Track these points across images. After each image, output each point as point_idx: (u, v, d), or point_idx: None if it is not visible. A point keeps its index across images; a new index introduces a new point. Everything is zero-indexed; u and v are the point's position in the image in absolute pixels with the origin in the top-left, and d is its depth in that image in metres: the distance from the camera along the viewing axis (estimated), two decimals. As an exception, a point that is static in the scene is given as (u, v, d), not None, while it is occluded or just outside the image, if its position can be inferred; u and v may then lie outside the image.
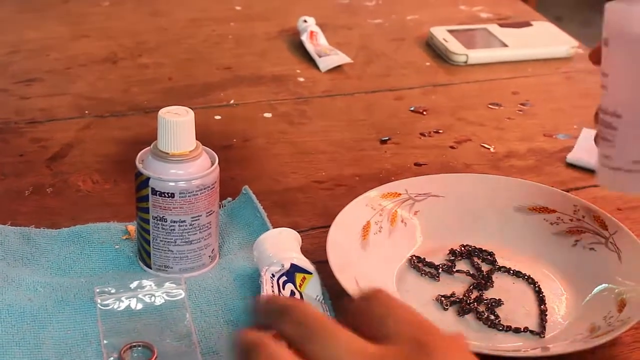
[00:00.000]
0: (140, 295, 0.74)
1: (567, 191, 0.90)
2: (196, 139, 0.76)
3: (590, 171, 0.98)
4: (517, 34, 1.31)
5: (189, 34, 1.31)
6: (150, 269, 0.78)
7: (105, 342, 0.70)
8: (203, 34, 1.31)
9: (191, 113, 0.75)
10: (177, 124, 0.74)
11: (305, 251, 0.78)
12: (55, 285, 0.75)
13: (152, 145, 0.76)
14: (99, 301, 0.73)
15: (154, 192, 0.75)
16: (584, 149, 1.00)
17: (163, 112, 0.74)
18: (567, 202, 0.86)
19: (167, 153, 0.75)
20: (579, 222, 0.84)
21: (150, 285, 0.75)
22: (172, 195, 0.75)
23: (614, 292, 0.77)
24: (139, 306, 0.73)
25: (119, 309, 0.73)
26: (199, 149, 0.76)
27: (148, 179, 0.75)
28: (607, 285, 0.78)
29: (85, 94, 1.12)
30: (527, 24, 1.35)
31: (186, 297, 0.74)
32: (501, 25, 1.35)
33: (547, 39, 1.29)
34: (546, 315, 0.77)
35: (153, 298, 0.74)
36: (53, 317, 0.72)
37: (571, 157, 1.01)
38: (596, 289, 0.78)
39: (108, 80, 1.16)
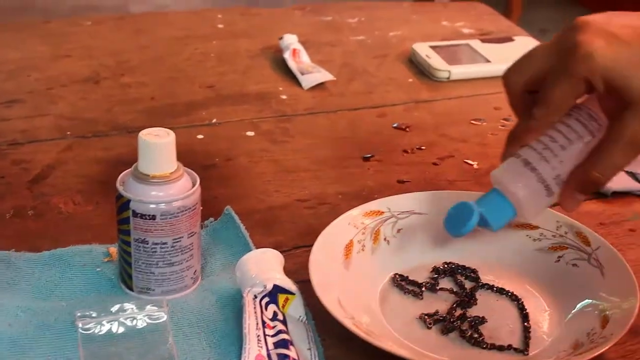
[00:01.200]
0: (121, 319, 0.73)
1: (550, 207, 0.89)
2: (178, 158, 0.76)
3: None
4: (500, 50, 1.32)
5: (172, 52, 1.31)
6: (132, 291, 0.78)
7: (86, 366, 0.69)
8: (186, 52, 1.31)
9: (172, 134, 0.75)
10: (158, 146, 0.74)
11: (288, 271, 0.77)
12: (36, 310, 0.75)
13: (132, 167, 0.76)
14: (80, 325, 0.72)
15: (135, 214, 0.75)
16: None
17: (143, 134, 0.74)
18: (550, 218, 0.85)
19: (148, 175, 0.74)
20: (561, 238, 0.84)
21: (132, 308, 0.74)
22: (154, 217, 0.74)
23: (598, 308, 0.77)
24: (121, 330, 0.73)
25: (100, 333, 0.72)
26: (180, 170, 0.76)
27: (129, 201, 0.75)
28: (590, 301, 0.78)
29: (66, 114, 1.12)
30: (509, 39, 1.36)
31: (168, 319, 0.74)
32: (483, 41, 1.35)
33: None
34: (530, 332, 0.77)
35: (135, 321, 0.73)
36: (34, 342, 0.71)
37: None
38: (579, 305, 0.78)
39: (90, 100, 1.15)
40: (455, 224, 0.74)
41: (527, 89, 0.70)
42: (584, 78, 0.65)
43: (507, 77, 0.71)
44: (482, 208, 0.73)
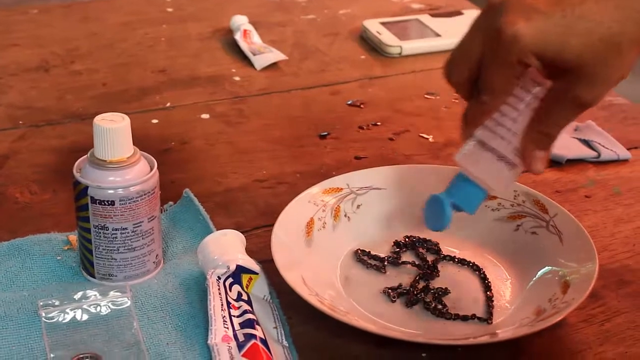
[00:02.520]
0: (85, 306, 0.73)
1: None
2: (134, 144, 0.75)
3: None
4: (449, 23, 1.32)
5: (121, 38, 1.29)
6: (94, 278, 0.77)
7: (52, 355, 0.69)
8: (135, 37, 1.29)
9: (127, 119, 0.74)
10: (113, 131, 0.73)
11: (250, 251, 0.77)
12: (-3, 301, 0.74)
13: (89, 153, 0.75)
14: (43, 314, 0.72)
15: (94, 200, 0.74)
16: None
17: (98, 119, 0.73)
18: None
19: (105, 160, 0.74)
20: (519, 206, 0.85)
21: (95, 295, 0.74)
22: (112, 203, 0.74)
23: (558, 274, 0.77)
24: (85, 317, 0.72)
25: (64, 321, 0.71)
26: (137, 154, 0.75)
27: (86, 187, 0.74)
28: (550, 267, 0.79)
29: (18, 103, 1.10)
30: (458, 13, 1.36)
31: (132, 305, 0.73)
32: (433, 16, 1.35)
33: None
34: (492, 301, 0.77)
35: (98, 308, 0.73)
36: (-3, 333, 0.70)
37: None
38: (540, 272, 0.79)
39: (41, 89, 1.14)
40: (433, 220, 0.74)
41: (470, 81, 0.69)
42: (517, 60, 0.64)
43: (448, 73, 0.70)
44: (453, 197, 0.72)
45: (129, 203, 0.74)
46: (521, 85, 0.69)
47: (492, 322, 0.75)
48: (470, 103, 0.70)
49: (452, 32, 1.28)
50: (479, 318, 0.75)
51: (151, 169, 0.76)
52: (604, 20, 0.63)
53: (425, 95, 1.14)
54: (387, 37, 1.27)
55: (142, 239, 0.76)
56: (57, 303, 0.72)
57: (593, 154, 1.00)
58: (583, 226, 0.81)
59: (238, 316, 0.71)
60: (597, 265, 0.76)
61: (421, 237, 0.84)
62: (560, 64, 0.64)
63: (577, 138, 1.03)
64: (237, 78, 1.18)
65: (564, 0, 0.63)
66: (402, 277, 0.80)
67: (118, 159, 0.74)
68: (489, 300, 0.77)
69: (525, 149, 0.69)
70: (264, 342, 0.68)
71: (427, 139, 1.04)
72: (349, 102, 1.12)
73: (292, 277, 0.74)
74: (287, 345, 0.71)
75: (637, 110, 1.10)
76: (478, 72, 0.67)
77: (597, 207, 0.91)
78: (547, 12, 0.63)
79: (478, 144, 0.71)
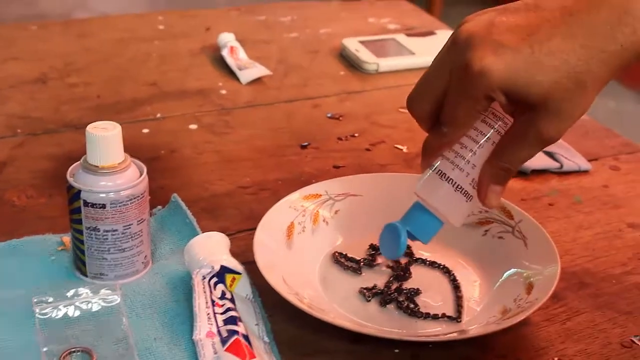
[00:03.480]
0: (77, 303, 0.72)
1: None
2: (126, 151, 0.75)
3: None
4: (423, 43, 1.32)
5: (115, 53, 1.28)
6: (87, 277, 0.76)
7: (44, 349, 0.68)
8: (129, 53, 1.29)
9: (118, 127, 0.73)
10: (105, 138, 0.72)
11: (234, 253, 0.77)
12: (-7, 298, 0.73)
13: (82, 159, 0.74)
14: (37, 310, 0.71)
15: (86, 203, 0.73)
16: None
17: (91, 128, 0.73)
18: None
19: (97, 166, 0.73)
20: (487, 213, 0.84)
21: (87, 292, 0.73)
22: (104, 206, 0.73)
23: (522, 276, 0.77)
24: (77, 313, 0.71)
25: (57, 317, 0.71)
26: (128, 160, 0.75)
27: (79, 191, 0.73)
28: (515, 270, 0.79)
29: (17, 113, 1.09)
30: (431, 33, 1.36)
31: (122, 302, 0.73)
32: (408, 35, 1.36)
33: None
34: (462, 301, 0.77)
35: (90, 305, 0.72)
36: (-8, 329, 0.69)
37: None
38: (506, 274, 0.79)
39: (39, 100, 1.13)
40: (388, 247, 0.71)
41: (433, 113, 0.66)
42: (483, 95, 0.61)
43: (411, 106, 0.66)
44: (409, 226, 0.70)
45: (120, 206, 0.73)
46: (483, 119, 0.67)
47: (461, 321, 0.75)
48: (431, 133, 0.68)
49: (425, 50, 1.28)
50: (448, 317, 0.75)
51: (141, 175, 0.75)
52: (571, 58, 0.60)
53: (400, 109, 1.14)
54: (364, 55, 1.27)
55: (132, 240, 0.75)
56: (50, 300, 0.72)
57: (556, 165, 1.00)
58: (546, 232, 0.81)
59: (221, 313, 0.70)
60: (559, 268, 0.75)
61: (395, 240, 0.84)
62: (526, 100, 0.62)
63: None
64: (223, 91, 1.17)
65: (531, 36, 0.61)
66: (377, 278, 0.80)
67: (109, 164, 0.73)
68: (458, 300, 0.77)
69: (482, 182, 0.67)
70: (246, 338, 0.68)
71: (402, 149, 1.04)
72: (329, 115, 1.12)
73: (273, 277, 0.73)
74: (268, 341, 0.70)
75: (595, 126, 1.10)
76: (440, 105, 0.65)
77: (559, 215, 0.91)
78: (515, 48, 0.60)
79: (437, 174, 0.68)
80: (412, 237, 0.70)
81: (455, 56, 0.63)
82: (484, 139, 0.66)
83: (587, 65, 0.61)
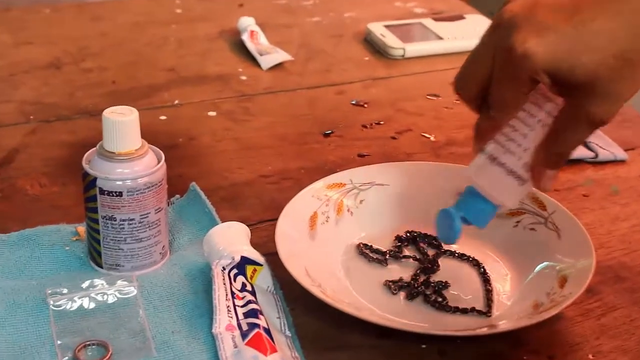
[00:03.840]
0: (92, 295, 0.72)
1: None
2: (142, 138, 0.75)
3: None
4: (451, 27, 1.31)
5: (131, 37, 1.29)
6: (102, 268, 0.76)
7: (59, 342, 0.68)
8: (145, 37, 1.29)
9: (135, 112, 0.73)
10: (122, 123, 0.73)
11: (254, 244, 0.77)
12: (6, 289, 0.73)
13: (98, 146, 0.74)
14: (51, 302, 0.71)
15: (102, 191, 0.73)
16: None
17: (107, 112, 0.73)
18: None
19: (113, 152, 0.73)
20: (519, 203, 0.84)
21: (102, 284, 0.73)
22: (120, 194, 0.73)
23: (555, 269, 0.77)
24: (92, 305, 0.72)
25: (71, 309, 0.71)
26: (145, 147, 0.75)
27: (95, 179, 0.73)
28: (548, 263, 0.78)
29: (29, 99, 1.09)
30: (460, 17, 1.36)
31: (138, 294, 0.73)
32: (435, 20, 1.35)
33: (480, 31, 1.28)
34: (492, 294, 0.77)
35: (105, 296, 0.72)
36: (6, 320, 0.70)
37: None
38: (538, 267, 0.78)
39: (52, 86, 1.13)
40: (444, 232, 0.73)
41: (479, 96, 0.67)
42: (528, 77, 0.62)
43: (458, 88, 0.67)
44: (462, 211, 0.71)
45: (137, 194, 0.73)
46: (532, 101, 0.67)
47: (491, 315, 0.74)
48: (481, 117, 0.69)
49: (454, 35, 1.28)
50: (478, 311, 0.75)
51: (159, 162, 0.75)
52: (616, 36, 0.60)
53: (427, 96, 1.14)
54: (390, 40, 1.26)
55: (149, 230, 0.75)
56: (65, 291, 0.72)
57: (591, 154, 0.99)
58: (581, 223, 0.80)
59: (242, 306, 0.70)
60: (594, 261, 0.75)
61: (422, 231, 0.84)
62: (572, 81, 0.62)
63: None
64: (243, 77, 1.17)
65: (575, 16, 0.61)
66: (403, 270, 0.80)
67: (126, 151, 0.73)
68: (488, 293, 0.77)
69: (535, 167, 0.68)
70: (267, 331, 0.68)
71: (429, 138, 1.04)
72: (353, 102, 1.12)
73: (296, 269, 0.73)
74: (290, 335, 0.70)
75: (632, 113, 1.09)
76: (487, 87, 0.65)
77: (595, 206, 0.91)
78: (558, 29, 0.61)
79: (488, 158, 0.69)
80: (467, 222, 0.71)
81: (498, 38, 0.63)
82: (535, 121, 0.67)
83: (633, 43, 0.61)
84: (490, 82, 0.65)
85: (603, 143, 1.01)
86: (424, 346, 0.71)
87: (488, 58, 0.64)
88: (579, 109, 0.63)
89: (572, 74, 0.61)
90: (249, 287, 0.72)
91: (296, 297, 0.74)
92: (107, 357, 0.67)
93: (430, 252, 0.82)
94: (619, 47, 0.61)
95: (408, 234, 0.84)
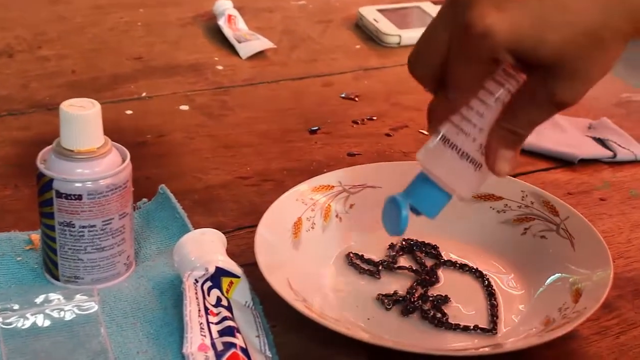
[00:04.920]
0: (47, 311, 0.72)
1: (514, 176, 0.90)
2: (105, 135, 0.75)
3: (538, 154, 0.99)
4: (453, 11, 1.31)
5: (94, 22, 1.29)
6: (59, 281, 0.76)
7: (9, 365, 0.68)
8: (109, 21, 1.29)
9: (97, 105, 0.73)
10: (82, 118, 0.72)
11: (231, 254, 0.77)
12: (-49, 305, 0.73)
13: (54, 143, 0.74)
14: (1, 320, 0.71)
15: (59, 194, 0.73)
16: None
17: (65, 105, 0.73)
18: (514, 187, 0.86)
19: (72, 150, 0.73)
20: (527, 208, 0.84)
21: (59, 298, 0.73)
22: (80, 197, 0.73)
23: (568, 281, 0.77)
24: (47, 323, 0.71)
25: (23, 328, 0.71)
26: (108, 144, 0.75)
27: (51, 180, 0.73)
28: (560, 274, 0.78)
29: (-22, 92, 1.09)
30: (463, 0, 1.36)
31: (100, 310, 0.73)
32: (435, 3, 1.35)
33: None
34: (497, 310, 0.77)
35: (62, 313, 0.72)
36: (-51, 339, 0.70)
37: (516, 140, 1.01)
38: (549, 279, 0.79)
39: (4, 76, 1.13)
40: (391, 222, 0.72)
41: (436, 75, 0.67)
42: (488, 57, 0.62)
43: (412, 68, 0.66)
44: (411, 199, 0.70)
45: (98, 198, 0.73)
46: (492, 77, 0.66)
47: (496, 333, 0.75)
48: (436, 97, 0.68)
49: (456, 20, 1.28)
50: (482, 329, 0.75)
51: (123, 161, 0.75)
52: (588, 11, 0.60)
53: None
54: (384, 26, 1.26)
55: (112, 238, 0.75)
56: (16, 307, 0.72)
57: (609, 153, 1.00)
58: (597, 230, 0.80)
59: (217, 323, 0.70)
60: (611, 273, 0.75)
61: (419, 240, 0.84)
62: (536, 60, 0.62)
63: (591, 136, 1.02)
64: (220, 67, 1.18)
65: None
66: (398, 283, 0.80)
67: (87, 149, 0.73)
68: (493, 309, 0.77)
69: (490, 146, 0.67)
70: (244, 351, 0.68)
71: (427, 135, 1.04)
72: (343, 95, 1.12)
73: (277, 281, 0.73)
74: (271, 355, 0.70)
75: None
76: (443, 68, 0.65)
77: (613, 211, 0.91)
78: (522, 2, 0.60)
79: (440, 140, 0.69)
80: (416, 212, 0.70)
81: (455, 13, 0.63)
82: (493, 99, 0.67)
83: (605, 18, 0.60)
84: (447, 62, 0.65)
85: (622, 141, 1.01)
86: (421, 368, 0.71)
87: (444, 36, 0.64)
88: (542, 89, 0.63)
89: (536, 52, 0.61)
90: (224, 302, 0.72)
91: (278, 313, 0.74)
92: (64, 380, 0.67)
93: (428, 262, 0.82)
94: (590, 24, 0.60)
95: (403, 242, 0.84)
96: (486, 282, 0.80)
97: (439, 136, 0.69)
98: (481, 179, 0.69)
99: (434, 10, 1.32)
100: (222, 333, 0.69)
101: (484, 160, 0.68)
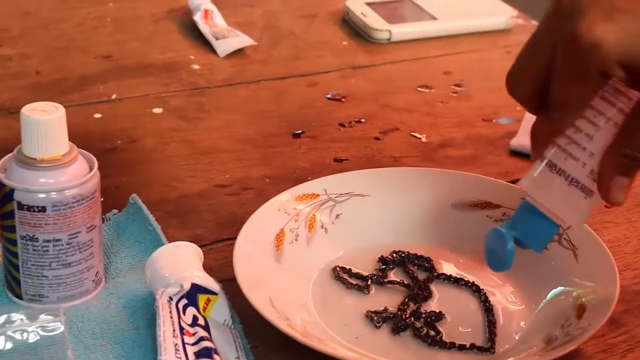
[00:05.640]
0: (9, 332, 0.72)
1: (513, 182, 0.90)
2: (72, 141, 0.75)
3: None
4: (448, 5, 1.32)
5: (59, 18, 1.29)
6: (21, 299, 0.76)
7: (-32, 391, 0.68)
8: (76, 17, 1.30)
9: (61, 109, 0.73)
10: (45, 123, 0.72)
11: (209, 268, 0.77)
12: None
13: (16, 150, 0.74)
14: (-41, 342, 0.71)
15: (21, 206, 0.73)
16: (529, 133, 1.01)
17: (27, 110, 0.73)
18: (513, 195, 0.86)
19: (35, 159, 0.73)
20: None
21: (22, 319, 0.73)
22: (44, 209, 0.73)
23: (572, 295, 0.77)
24: (8, 345, 0.71)
25: (-17, 350, 0.71)
26: (74, 152, 0.75)
27: (12, 190, 0.73)
28: (563, 288, 0.79)
29: None
30: (458, -8, 1.37)
31: (66, 330, 0.73)
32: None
33: (483, 9, 1.29)
34: (495, 327, 0.77)
35: (26, 335, 0.72)
36: None
37: (515, 143, 1.02)
38: (551, 293, 0.79)
39: (-39, 77, 1.14)
40: (494, 258, 0.72)
41: (538, 94, 0.66)
42: (598, 72, 0.62)
43: (511, 87, 0.66)
44: (516, 231, 0.70)
45: (64, 209, 0.73)
46: (602, 94, 0.66)
47: (494, 352, 0.75)
48: (539, 118, 0.68)
49: (450, 14, 1.28)
50: (478, 347, 0.75)
51: (91, 169, 0.75)
52: None
53: (418, 88, 1.15)
54: (373, 20, 1.27)
55: (79, 252, 0.75)
56: (-25, 329, 0.72)
57: (614, 156, 1.00)
58: (602, 240, 0.81)
59: (193, 344, 0.70)
60: (618, 286, 0.75)
61: (411, 252, 0.84)
62: None
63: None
64: (196, 66, 1.18)
65: None
66: (389, 298, 0.80)
67: (51, 157, 0.73)
68: (491, 326, 0.77)
69: (603, 173, 0.66)
70: (223, 374, 0.68)
71: (420, 138, 1.04)
72: (328, 96, 1.13)
73: (258, 298, 0.73)
74: (251, 378, 0.70)
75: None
76: (546, 84, 0.65)
77: (619, 219, 0.92)
78: (633, 11, 0.60)
79: (547, 166, 0.69)
80: (522, 245, 0.71)
81: (559, 26, 0.63)
82: (604, 120, 0.67)
83: None
84: (550, 78, 0.65)
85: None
86: (413, 390, 0.71)
87: (547, 50, 0.64)
88: None
89: None
90: (201, 321, 0.72)
91: (259, 333, 0.74)
92: (28, 408, 0.67)
93: (421, 276, 0.82)
94: None
95: (394, 255, 0.84)
96: (483, 296, 0.80)
97: (545, 161, 0.69)
98: (592, 206, 0.69)
99: (427, 3, 1.32)
100: (198, 355, 0.69)
101: (595, 187, 0.68)
